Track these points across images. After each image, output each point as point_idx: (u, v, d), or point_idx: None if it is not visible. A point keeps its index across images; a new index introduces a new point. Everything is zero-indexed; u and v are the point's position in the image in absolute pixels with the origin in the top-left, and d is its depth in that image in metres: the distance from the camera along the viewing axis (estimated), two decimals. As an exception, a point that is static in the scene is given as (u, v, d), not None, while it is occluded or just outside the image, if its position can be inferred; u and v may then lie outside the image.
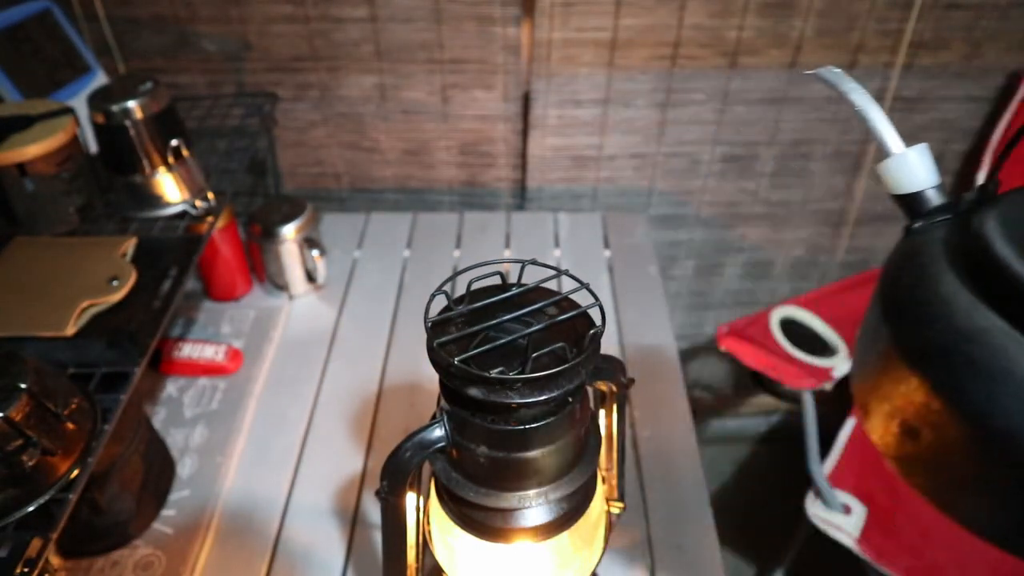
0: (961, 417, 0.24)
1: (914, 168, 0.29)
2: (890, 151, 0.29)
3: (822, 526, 1.01)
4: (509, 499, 0.41)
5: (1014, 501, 0.25)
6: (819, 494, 1.03)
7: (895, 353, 0.26)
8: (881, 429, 0.29)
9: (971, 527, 0.26)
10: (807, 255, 1.32)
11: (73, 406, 0.55)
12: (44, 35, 0.86)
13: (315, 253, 0.95)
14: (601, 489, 0.48)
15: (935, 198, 0.30)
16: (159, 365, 0.87)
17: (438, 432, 0.41)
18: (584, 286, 0.42)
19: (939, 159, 1.20)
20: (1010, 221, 0.27)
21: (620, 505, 0.52)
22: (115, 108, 0.74)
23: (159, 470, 0.74)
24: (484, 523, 0.43)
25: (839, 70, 0.29)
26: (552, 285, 0.43)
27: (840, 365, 1.04)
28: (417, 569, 0.50)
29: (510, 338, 0.39)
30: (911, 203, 0.30)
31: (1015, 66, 1.11)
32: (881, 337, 0.27)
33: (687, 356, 1.47)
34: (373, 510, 0.73)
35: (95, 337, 0.62)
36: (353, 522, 0.73)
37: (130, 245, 0.71)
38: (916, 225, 0.30)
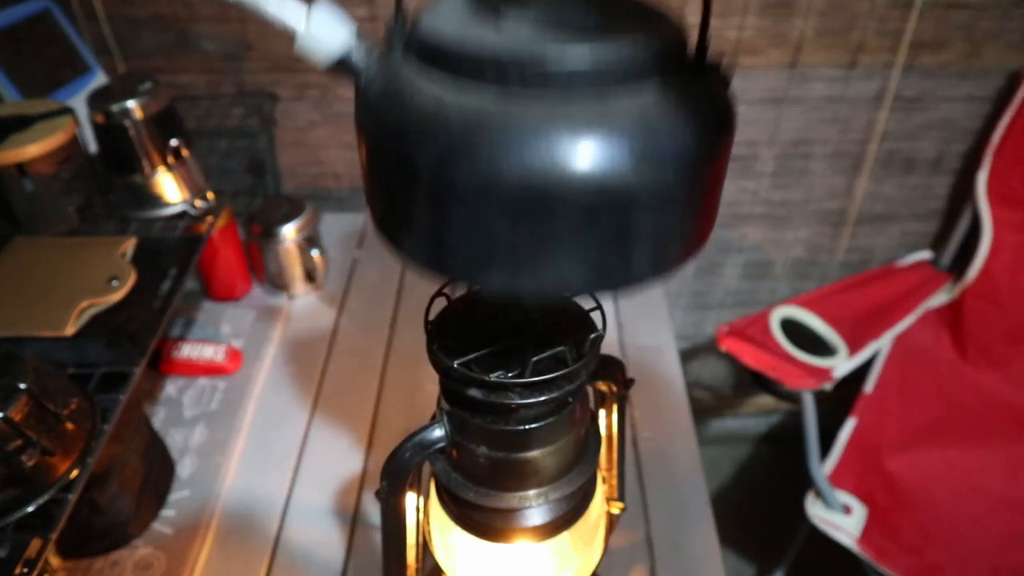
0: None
1: (324, 38, 0.29)
2: (295, 31, 0.28)
3: (822, 526, 1.01)
4: (509, 499, 0.41)
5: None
6: (819, 494, 1.03)
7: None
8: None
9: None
10: (807, 255, 1.32)
11: (73, 406, 0.55)
12: (44, 35, 0.86)
13: (315, 253, 0.95)
14: (601, 489, 0.48)
15: (358, 53, 0.30)
16: (159, 365, 0.86)
17: (438, 432, 0.41)
18: (585, 288, 0.42)
19: (939, 159, 1.20)
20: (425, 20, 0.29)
21: (620, 505, 0.52)
22: (115, 108, 0.74)
23: (159, 470, 0.74)
24: (484, 523, 0.43)
25: None
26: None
27: (840, 365, 1.03)
28: (417, 569, 0.50)
29: (511, 341, 0.39)
30: (345, 69, 0.30)
31: (1015, 66, 1.11)
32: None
33: (687, 356, 1.47)
34: (373, 510, 0.73)
35: (95, 337, 0.62)
36: (353, 522, 0.73)
37: (130, 245, 0.71)
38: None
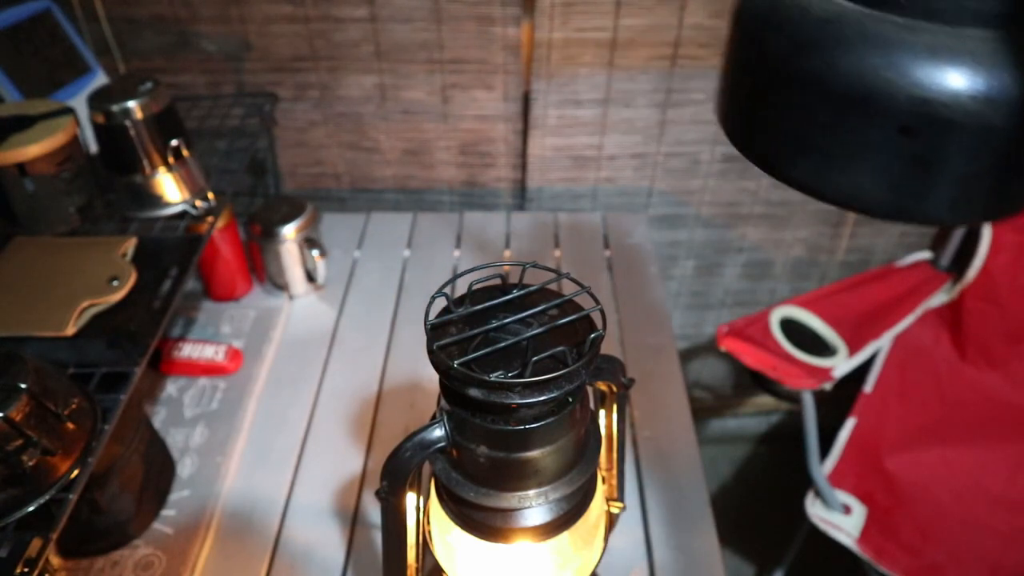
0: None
1: None
2: None
3: (822, 526, 1.01)
4: (509, 499, 0.41)
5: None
6: (819, 494, 1.03)
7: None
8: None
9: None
10: (807, 255, 1.32)
11: (73, 406, 0.55)
12: (44, 35, 0.86)
13: (315, 253, 0.95)
14: (601, 489, 0.48)
15: None
16: (159, 365, 0.87)
17: (438, 432, 0.41)
18: (585, 289, 0.42)
19: (939, 159, 1.20)
20: None
21: (620, 505, 0.52)
22: (115, 108, 0.74)
23: (159, 470, 0.74)
24: (484, 523, 0.43)
25: None
26: (553, 287, 0.43)
27: (840, 365, 1.03)
28: (417, 569, 0.50)
29: (511, 341, 0.39)
30: None
31: (1015, 66, 1.11)
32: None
33: (687, 356, 1.47)
34: (373, 510, 0.73)
35: (95, 337, 0.62)
36: (353, 522, 0.73)
37: (130, 245, 0.71)
38: None
